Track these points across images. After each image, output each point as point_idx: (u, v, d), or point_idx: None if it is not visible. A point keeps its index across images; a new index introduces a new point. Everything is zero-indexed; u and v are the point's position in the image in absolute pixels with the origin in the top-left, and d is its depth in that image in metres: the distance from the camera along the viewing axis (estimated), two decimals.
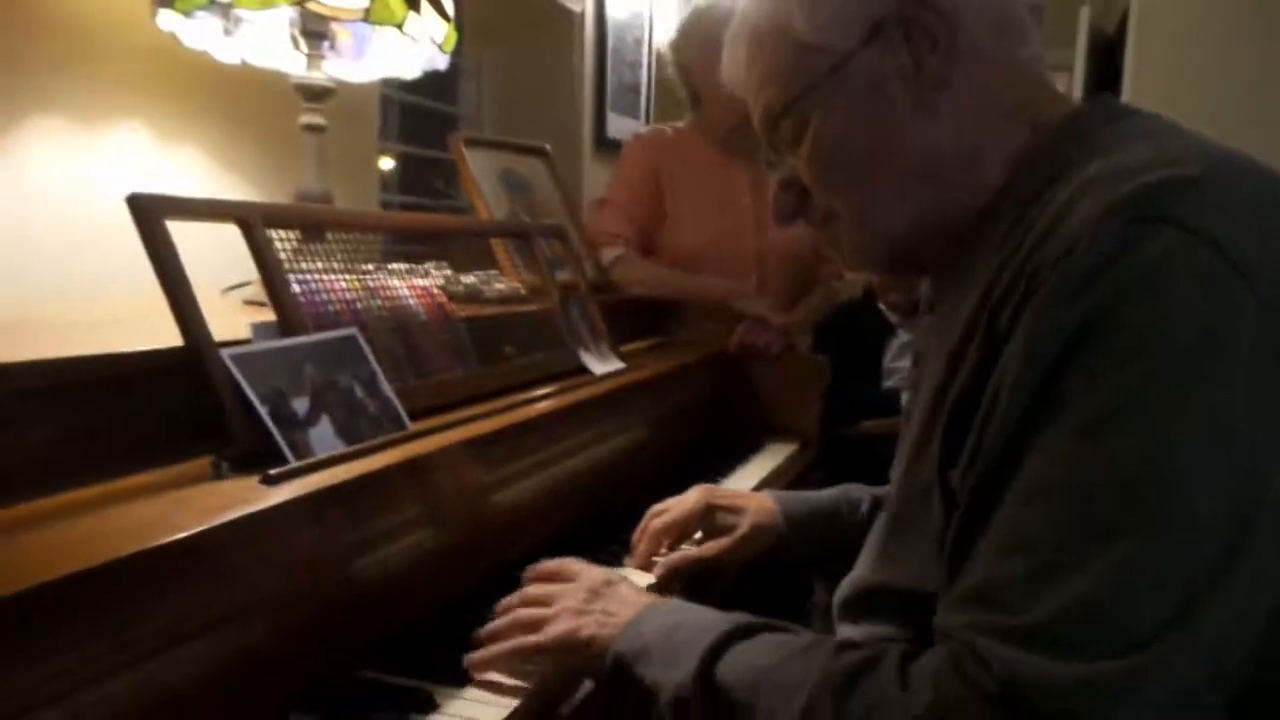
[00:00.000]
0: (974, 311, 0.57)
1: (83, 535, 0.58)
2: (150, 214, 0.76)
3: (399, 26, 1.10)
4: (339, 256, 0.99)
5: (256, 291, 1.21)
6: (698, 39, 1.81)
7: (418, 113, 2.46)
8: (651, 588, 0.90)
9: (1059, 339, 0.50)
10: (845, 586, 0.76)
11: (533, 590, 0.79)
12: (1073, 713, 0.45)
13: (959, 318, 0.59)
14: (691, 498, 1.01)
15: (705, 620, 0.67)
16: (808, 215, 0.72)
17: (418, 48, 1.20)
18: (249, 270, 1.16)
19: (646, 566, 0.97)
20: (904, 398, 0.79)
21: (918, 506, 0.62)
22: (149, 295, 1.14)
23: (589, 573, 0.80)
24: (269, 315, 0.86)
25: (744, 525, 0.98)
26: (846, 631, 0.74)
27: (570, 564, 0.82)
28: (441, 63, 1.27)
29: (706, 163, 1.87)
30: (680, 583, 0.96)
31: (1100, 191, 0.51)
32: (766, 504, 1.01)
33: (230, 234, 0.87)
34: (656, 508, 1.01)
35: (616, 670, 0.67)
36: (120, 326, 1.00)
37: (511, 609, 0.77)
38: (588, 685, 0.73)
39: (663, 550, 0.99)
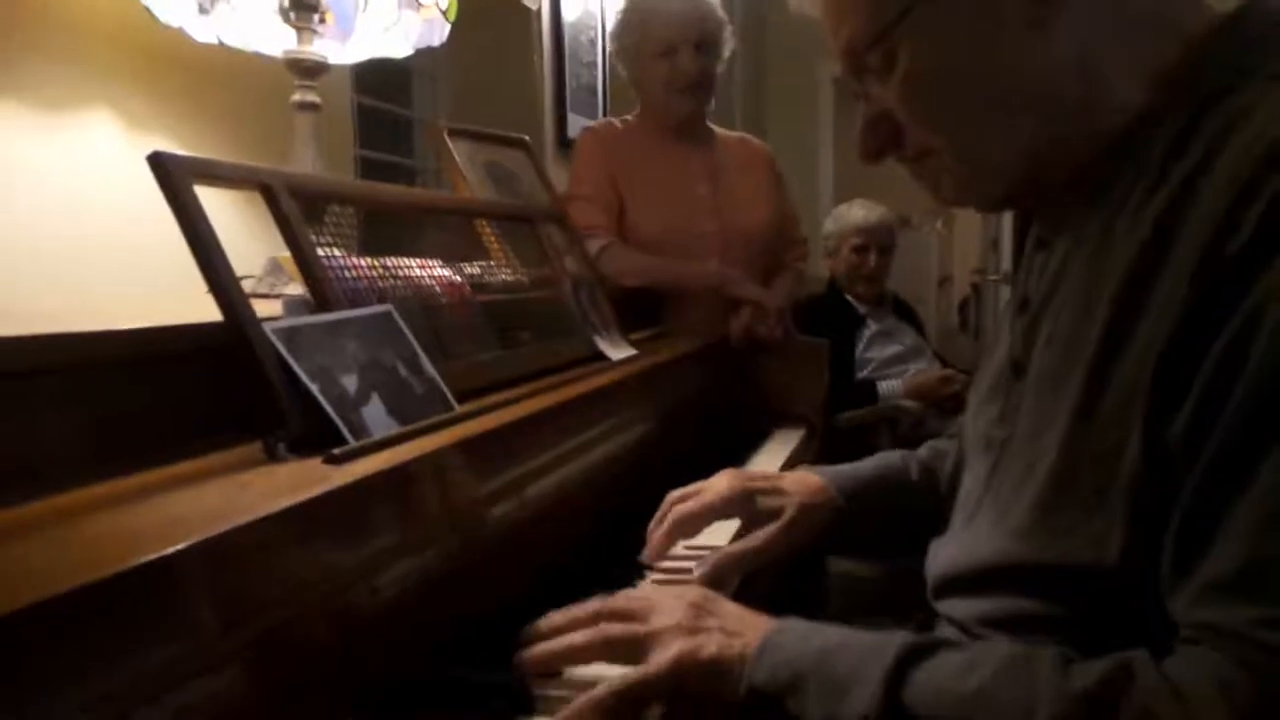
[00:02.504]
0: (1151, 241, 0.52)
1: (150, 523, 0.51)
2: (176, 176, 0.68)
3: None
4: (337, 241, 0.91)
5: (255, 285, 1.12)
6: (635, 23, 1.81)
7: (373, 116, 2.37)
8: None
9: None
10: (956, 560, 0.69)
11: (615, 604, 0.65)
12: None
13: (1115, 250, 0.54)
14: (723, 483, 0.88)
15: (864, 641, 0.58)
16: (899, 151, 0.67)
17: (416, 18, 1.13)
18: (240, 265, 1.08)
19: (663, 557, 0.84)
20: (1002, 347, 0.73)
21: (1090, 473, 0.55)
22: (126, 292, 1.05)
23: (682, 589, 0.68)
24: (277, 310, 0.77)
25: (790, 508, 0.86)
26: (960, 608, 0.68)
27: (650, 595, 0.67)
28: (439, 36, 1.21)
29: (659, 152, 1.85)
30: (734, 584, 0.84)
31: None
32: (812, 481, 0.90)
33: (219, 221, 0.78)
34: (677, 493, 0.88)
35: (756, 705, 0.58)
36: (112, 316, 0.90)
37: (582, 623, 0.64)
38: None
39: (680, 546, 0.87)
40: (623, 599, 0.66)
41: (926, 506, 0.86)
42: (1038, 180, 0.63)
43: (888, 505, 0.90)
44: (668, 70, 1.78)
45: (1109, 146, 0.59)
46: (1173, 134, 0.55)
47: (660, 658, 0.60)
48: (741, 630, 0.62)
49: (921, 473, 0.90)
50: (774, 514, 0.85)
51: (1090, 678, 0.49)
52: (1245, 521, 0.46)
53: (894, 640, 0.56)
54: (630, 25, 1.82)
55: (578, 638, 0.63)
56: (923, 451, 0.94)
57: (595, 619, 0.65)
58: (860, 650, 0.57)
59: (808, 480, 0.90)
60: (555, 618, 0.66)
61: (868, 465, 0.93)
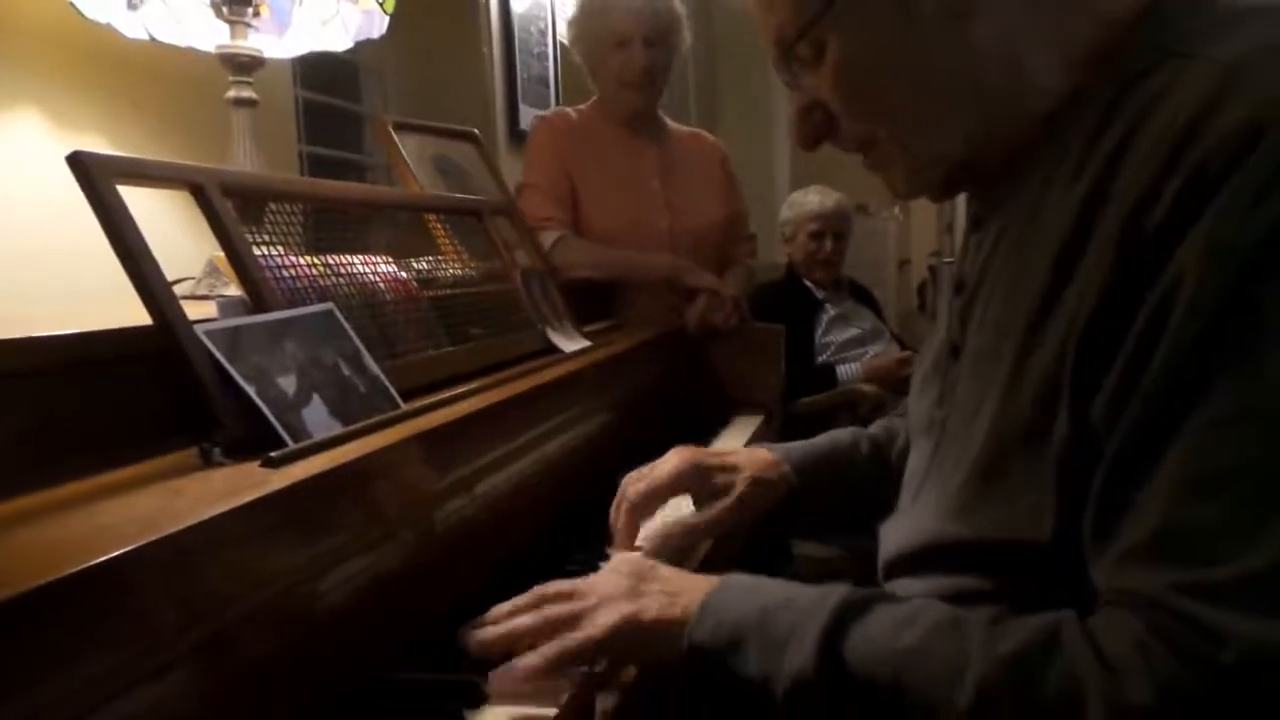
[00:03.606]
0: (1076, 219, 0.53)
1: (81, 532, 0.49)
2: (97, 176, 0.66)
3: None
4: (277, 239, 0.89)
5: (191, 287, 1.10)
6: (593, 12, 1.80)
7: (322, 113, 2.33)
8: None
9: (1249, 247, 0.44)
10: (902, 540, 0.70)
11: (556, 586, 0.66)
12: None
13: (1043, 230, 0.55)
14: (673, 459, 0.86)
15: (801, 596, 0.59)
16: (836, 140, 0.67)
17: (355, 10, 1.11)
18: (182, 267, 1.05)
19: (629, 547, 0.83)
20: (940, 329, 0.73)
21: (1022, 450, 0.55)
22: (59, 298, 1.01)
23: (622, 562, 0.68)
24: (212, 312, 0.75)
25: (741, 483, 0.85)
26: (908, 587, 0.68)
27: (590, 576, 0.68)
28: (378, 28, 1.18)
29: (612, 145, 1.84)
30: (696, 559, 0.86)
31: (1256, 80, 0.48)
32: (763, 456, 0.90)
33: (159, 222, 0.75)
34: (633, 475, 0.87)
35: (698, 663, 0.59)
36: (43, 322, 0.87)
37: (525, 610, 0.64)
38: None
39: (645, 522, 0.86)
40: (566, 582, 0.67)
41: (876, 483, 0.86)
42: (976, 165, 0.64)
43: (839, 481, 0.90)
44: (619, 63, 1.77)
45: (1038, 129, 0.60)
46: (1096, 115, 0.55)
47: (603, 620, 0.61)
48: (681, 591, 0.63)
49: (872, 449, 0.91)
50: (726, 489, 0.85)
51: (1018, 640, 0.50)
52: (1160, 488, 0.47)
53: (831, 597, 0.57)
54: (588, 14, 1.81)
55: (524, 620, 0.64)
56: (875, 429, 0.94)
57: (538, 603, 0.65)
58: (799, 607, 0.58)
59: (760, 455, 0.89)
60: (499, 608, 0.66)
61: (820, 441, 0.93)
